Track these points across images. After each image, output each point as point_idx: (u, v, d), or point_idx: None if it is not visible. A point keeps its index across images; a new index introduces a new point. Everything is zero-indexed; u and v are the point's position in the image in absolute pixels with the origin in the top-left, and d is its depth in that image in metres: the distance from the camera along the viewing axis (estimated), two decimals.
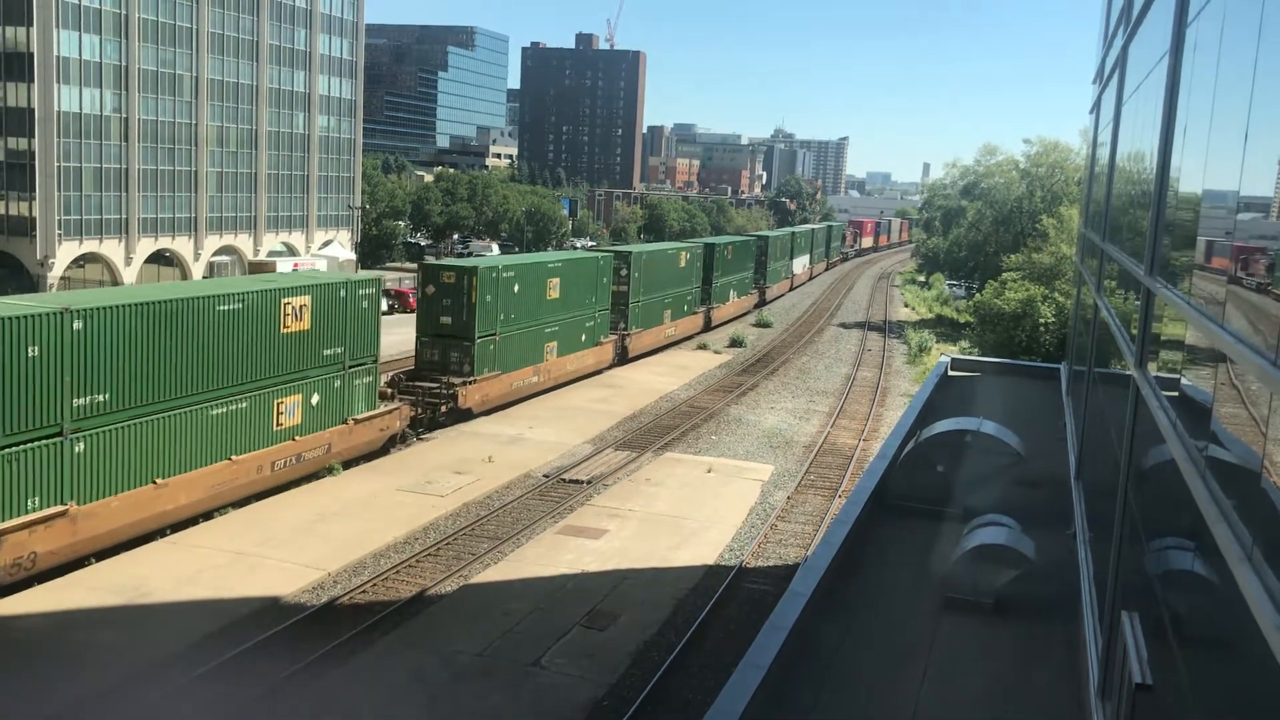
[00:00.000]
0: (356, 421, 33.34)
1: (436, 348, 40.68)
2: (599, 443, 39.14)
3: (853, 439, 41.51)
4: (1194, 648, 6.96)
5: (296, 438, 30.69)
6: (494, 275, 41.34)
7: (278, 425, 30.04)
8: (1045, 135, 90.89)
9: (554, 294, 45.81)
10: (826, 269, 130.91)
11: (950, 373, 34.80)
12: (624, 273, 54.49)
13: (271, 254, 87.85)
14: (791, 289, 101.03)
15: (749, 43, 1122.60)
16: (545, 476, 34.23)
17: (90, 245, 76.04)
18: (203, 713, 17.88)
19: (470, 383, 40.04)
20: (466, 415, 40.13)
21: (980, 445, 20.93)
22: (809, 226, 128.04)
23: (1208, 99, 8.33)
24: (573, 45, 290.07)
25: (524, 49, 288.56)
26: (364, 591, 24.24)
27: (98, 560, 24.76)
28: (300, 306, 30.61)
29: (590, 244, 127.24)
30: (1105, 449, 14.47)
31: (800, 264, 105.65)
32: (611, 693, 19.74)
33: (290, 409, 30.43)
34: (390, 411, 35.46)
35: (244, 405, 28.58)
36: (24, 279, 71.87)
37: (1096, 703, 11.04)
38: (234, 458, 28.22)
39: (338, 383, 32.31)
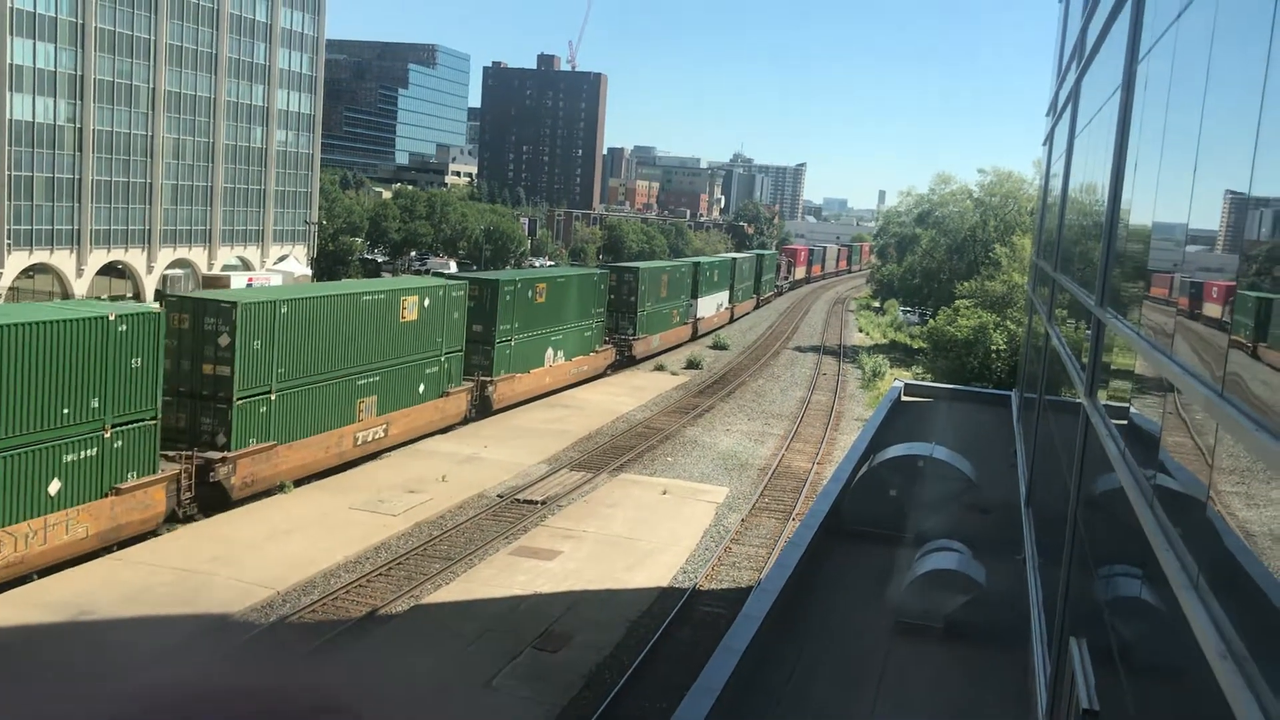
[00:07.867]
0: None
1: None
2: (554, 463, 39.02)
3: (807, 462, 41.70)
4: (1140, 674, 7.04)
5: None
6: None
7: None
8: (999, 165, 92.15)
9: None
10: (756, 306, 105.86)
11: (903, 398, 35.11)
12: (225, 343, 29.99)
13: (226, 268, 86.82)
14: (694, 338, 76.86)
15: (710, 68, 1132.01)
16: (499, 497, 34.04)
17: (40, 256, 74.71)
18: None
19: None
20: None
21: (932, 471, 21.12)
22: (727, 255, 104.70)
23: (1158, 134, 8.50)
24: (534, 66, 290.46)
25: (485, 68, 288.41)
26: (313, 611, 23.93)
27: (40, 577, 24.29)
28: None
29: (549, 263, 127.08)
30: (1055, 476, 14.64)
31: (713, 303, 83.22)
32: (563, 715, 19.62)
33: None
34: None
35: None
36: None
37: None
38: None
39: None
